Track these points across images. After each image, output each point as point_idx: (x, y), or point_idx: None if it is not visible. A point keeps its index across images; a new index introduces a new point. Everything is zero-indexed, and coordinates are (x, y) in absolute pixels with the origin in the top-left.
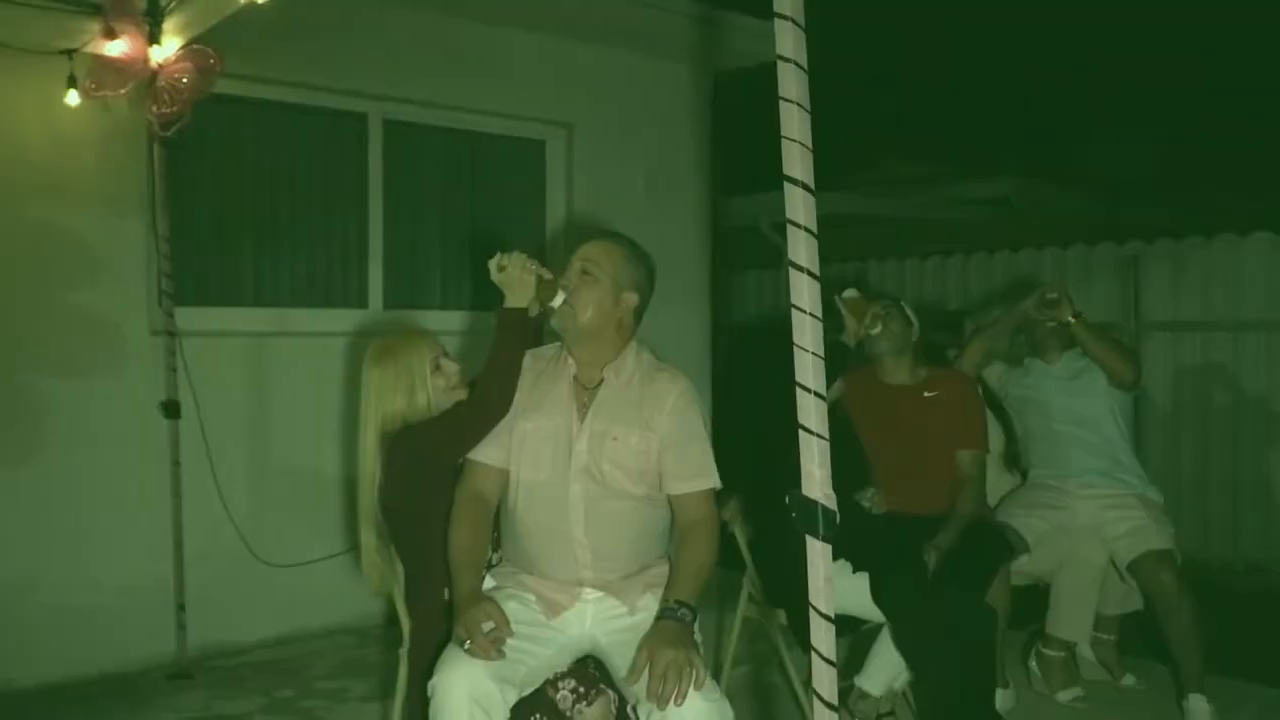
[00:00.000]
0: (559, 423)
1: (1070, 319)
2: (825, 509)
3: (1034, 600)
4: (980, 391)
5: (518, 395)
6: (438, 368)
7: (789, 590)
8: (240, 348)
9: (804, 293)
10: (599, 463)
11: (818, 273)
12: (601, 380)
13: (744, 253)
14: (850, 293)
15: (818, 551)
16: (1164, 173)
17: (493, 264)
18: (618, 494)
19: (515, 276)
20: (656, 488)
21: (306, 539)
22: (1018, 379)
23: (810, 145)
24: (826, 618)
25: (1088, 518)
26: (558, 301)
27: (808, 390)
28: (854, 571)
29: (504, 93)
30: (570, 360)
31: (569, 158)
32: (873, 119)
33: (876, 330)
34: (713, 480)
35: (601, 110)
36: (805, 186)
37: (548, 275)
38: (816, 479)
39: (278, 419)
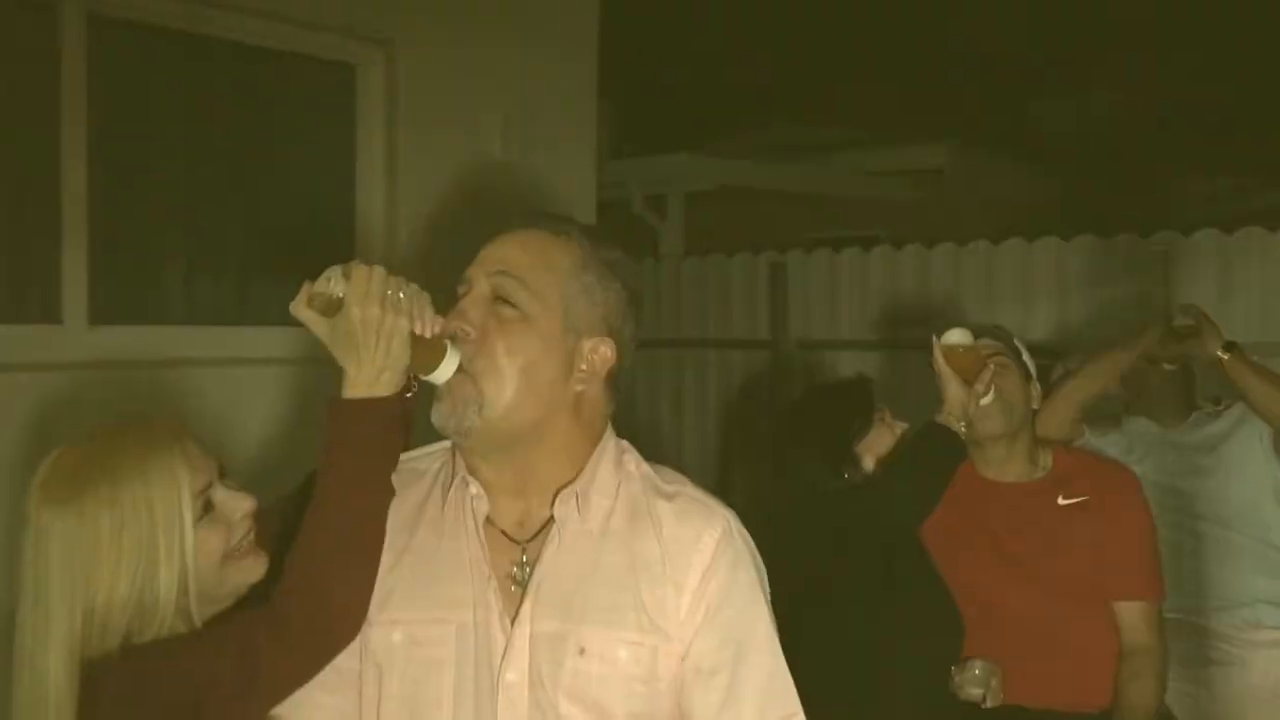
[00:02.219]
0: (464, 622)
1: (1221, 354)
2: None
3: None
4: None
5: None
6: (209, 507)
7: None
8: None
9: None
10: (554, 703)
11: None
12: (549, 522)
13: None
14: (955, 336)
15: None
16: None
17: (316, 290)
18: None
19: (369, 320)
20: None
21: None
22: (1117, 451)
23: None
24: None
25: (1261, 676)
26: (445, 371)
27: None
28: None
29: None
30: (472, 485)
31: (390, 92)
32: (760, 62)
33: (989, 398)
34: None
35: (438, 20)
36: None
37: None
38: None
39: None
